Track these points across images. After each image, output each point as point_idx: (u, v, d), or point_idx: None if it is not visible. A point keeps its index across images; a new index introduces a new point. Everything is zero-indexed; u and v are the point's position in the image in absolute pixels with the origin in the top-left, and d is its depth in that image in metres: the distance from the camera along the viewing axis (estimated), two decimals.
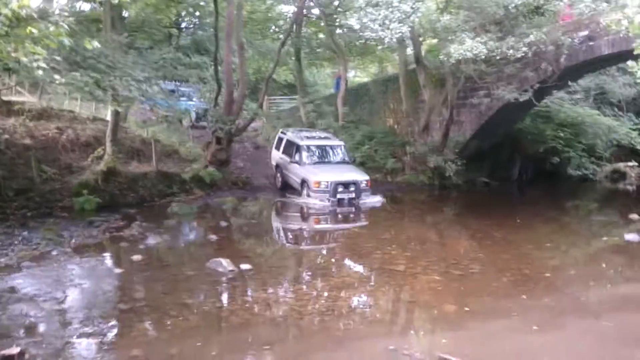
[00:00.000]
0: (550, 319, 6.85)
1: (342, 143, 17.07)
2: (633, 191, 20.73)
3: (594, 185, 21.48)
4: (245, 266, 8.69)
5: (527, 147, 21.17)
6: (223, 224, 12.34)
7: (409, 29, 14.35)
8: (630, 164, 23.44)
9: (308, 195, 14.85)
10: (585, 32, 14.97)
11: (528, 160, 21.60)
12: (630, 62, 8.11)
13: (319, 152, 16.27)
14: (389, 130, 21.60)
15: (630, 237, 11.50)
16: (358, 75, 38.21)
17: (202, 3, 25.71)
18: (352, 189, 14.71)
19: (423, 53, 19.84)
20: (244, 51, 18.03)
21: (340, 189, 14.56)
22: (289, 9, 27.37)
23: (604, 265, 9.68)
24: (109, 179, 13.43)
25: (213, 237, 11.03)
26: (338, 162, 16.10)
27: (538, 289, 8.12)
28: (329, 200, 14.43)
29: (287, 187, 16.31)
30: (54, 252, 9.10)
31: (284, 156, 16.58)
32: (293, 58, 26.51)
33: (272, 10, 26.85)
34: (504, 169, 21.17)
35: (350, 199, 14.71)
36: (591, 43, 14.91)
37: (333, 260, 10.30)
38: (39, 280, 7.70)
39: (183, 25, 32.76)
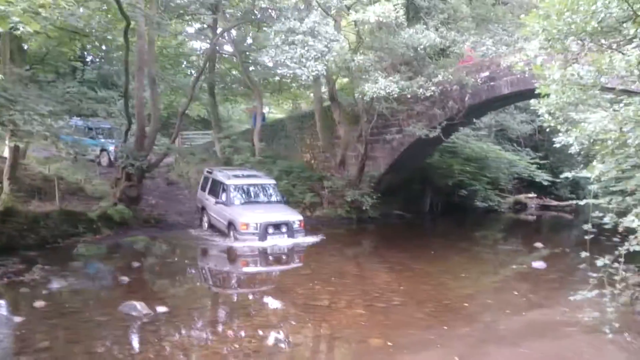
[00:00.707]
0: (471, 349, 6.98)
1: (272, 181, 16.22)
2: (534, 220, 22.23)
3: (498, 216, 22.78)
4: (161, 309, 8.21)
5: (437, 181, 22.12)
6: (135, 264, 11.62)
7: (325, 67, 14.66)
8: (529, 195, 25.25)
9: (235, 239, 13.80)
10: (487, 73, 16.07)
11: (438, 193, 22.56)
12: (532, 101, 8.69)
13: (247, 192, 15.38)
14: (306, 165, 21.78)
15: (536, 264, 12.25)
16: (272, 112, 38.49)
17: (109, 37, 24.88)
18: (283, 230, 13.91)
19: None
20: (156, 85, 17.57)
21: (270, 230, 13.74)
22: (200, 45, 27.21)
23: (516, 292, 10.09)
24: (6, 219, 12.31)
25: (125, 278, 10.31)
26: (269, 202, 15.27)
27: (458, 319, 8.29)
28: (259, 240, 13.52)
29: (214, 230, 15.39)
30: None
31: (210, 197, 15.60)
32: (207, 93, 26.25)
33: (184, 46, 26.53)
34: (417, 202, 21.96)
35: (281, 239, 13.85)
36: (492, 83, 15.99)
37: (254, 298, 10.01)
38: None
39: (89, 58, 31.54)
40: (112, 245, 13.62)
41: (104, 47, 29.20)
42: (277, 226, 13.88)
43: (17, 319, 7.63)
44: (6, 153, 13.94)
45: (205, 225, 15.84)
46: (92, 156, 20.86)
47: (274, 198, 15.52)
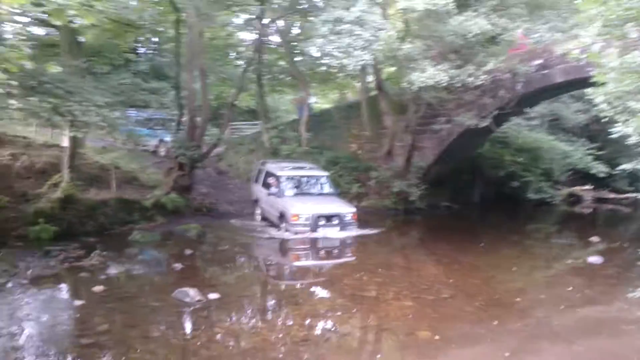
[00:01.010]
0: (523, 345, 6.85)
1: (325, 174, 16.09)
2: (589, 214, 21.46)
3: (551, 209, 22.10)
4: (213, 296, 8.43)
5: (487, 172, 21.68)
6: (188, 252, 11.96)
7: (372, 56, 14.56)
8: (585, 187, 24.35)
9: (286, 230, 13.75)
10: (540, 61, 15.59)
11: (488, 185, 22.10)
12: (589, 89, 8.40)
13: (299, 183, 15.31)
14: (353, 155, 21.72)
15: (593, 259, 11.83)
16: (318, 102, 38.55)
17: (160, 29, 25.49)
18: (335, 222, 13.74)
19: None
20: (205, 77, 17.91)
21: (321, 222, 13.61)
22: (248, 36, 27.47)
23: (570, 288, 9.80)
24: (66, 206, 12.87)
25: (178, 265, 10.67)
26: (321, 194, 15.21)
27: (509, 313, 8.15)
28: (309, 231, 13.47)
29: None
30: (9, 284, 8.61)
31: (263, 189, 15.59)
32: (255, 84, 26.53)
33: (233, 37, 26.86)
34: (465, 193, 21.57)
35: (333, 232, 13.69)
36: (545, 71, 15.50)
37: (302, 287, 10.13)
38: None
39: (141, 50, 32.43)
40: (166, 232, 14.05)
41: (155, 39, 29.99)
42: (328, 218, 13.74)
43: (78, 302, 8.01)
44: (65, 143, 14.52)
45: (258, 217, 15.85)
46: (151, 147, 21.47)
47: (326, 190, 15.45)
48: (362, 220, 14.95)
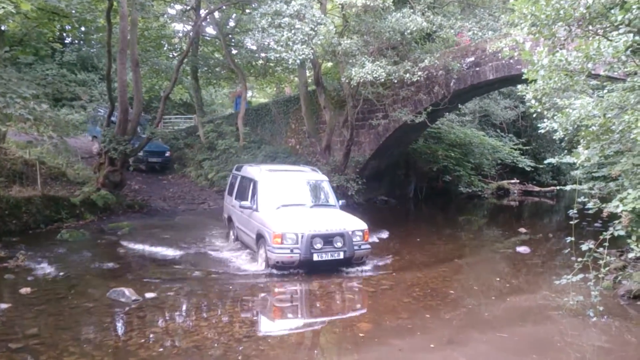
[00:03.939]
0: (452, 335, 6.99)
1: (324, 178, 11.85)
2: (516, 206, 22.52)
3: (482, 202, 23.03)
4: (150, 295, 8.17)
5: (421, 166, 22.28)
6: (121, 250, 11.53)
7: (312, 50, 14.53)
8: (512, 181, 25.57)
9: (266, 258, 9.67)
10: (472, 58, 16.13)
11: (423, 179, 22.73)
12: (520, 86, 8.75)
13: (286, 192, 10.97)
14: (292, 150, 21.73)
15: (521, 249, 12.47)
16: (255, 96, 38.24)
17: (89, 18, 24.37)
18: (338, 244, 9.59)
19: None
20: (138, 68, 17.29)
21: (318, 245, 9.46)
22: (183, 27, 26.79)
23: (498, 279, 10.22)
24: None
25: (111, 264, 10.27)
26: (317, 205, 10.98)
27: (443, 304, 8.34)
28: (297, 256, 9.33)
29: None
30: None
31: (236, 202, 11.58)
32: (189, 77, 25.93)
33: (167, 28, 26.09)
34: (401, 187, 22.12)
35: (336, 260, 9.59)
36: (477, 69, 16.05)
37: (243, 282, 9.92)
38: None
39: (68, 40, 30.92)
40: (96, 230, 13.51)
41: (83, 29, 28.63)
42: (328, 239, 9.57)
43: (3, 306, 7.50)
44: None
45: (232, 240, 12.18)
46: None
47: (325, 199, 11.32)
48: None
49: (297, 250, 9.34)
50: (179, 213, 16.71)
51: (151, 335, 6.67)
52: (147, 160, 21.68)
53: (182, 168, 22.53)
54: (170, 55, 26.56)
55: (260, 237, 9.98)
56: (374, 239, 12.95)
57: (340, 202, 11.41)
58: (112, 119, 17.53)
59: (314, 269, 9.54)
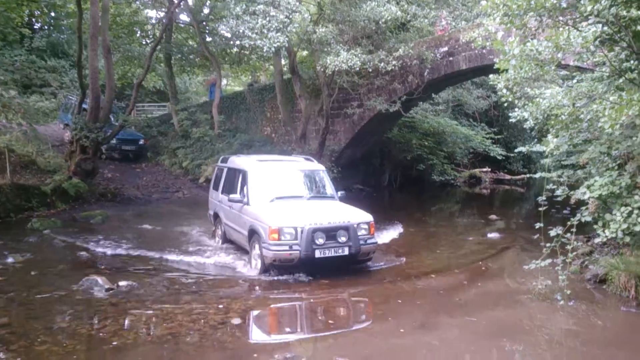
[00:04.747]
0: (424, 320, 7.14)
1: (321, 167, 10.98)
2: (488, 194, 22.96)
3: (454, 190, 23.41)
4: (123, 283, 8.10)
5: (395, 155, 22.50)
6: (93, 238, 11.39)
7: (286, 38, 14.48)
8: (484, 169, 26.02)
9: (259, 258, 8.86)
10: (446, 48, 16.29)
11: (397, 168, 22.98)
12: (492, 76, 8.90)
13: (280, 183, 10.01)
14: (267, 138, 21.70)
15: (491, 235, 12.77)
16: (230, 84, 37.91)
17: (58, 2, 23.76)
18: (342, 239, 8.66)
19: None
20: (110, 55, 16.99)
21: (320, 240, 8.51)
22: (156, 14, 26.36)
23: (471, 264, 10.44)
24: None
25: (83, 253, 10.15)
26: (315, 197, 10.06)
27: (414, 291, 8.51)
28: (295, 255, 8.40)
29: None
30: None
31: (224, 196, 10.71)
32: (163, 64, 25.56)
33: (139, 14, 25.62)
34: (376, 176, 22.31)
35: (340, 257, 8.66)
36: (451, 58, 16.23)
37: (220, 266, 9.88)
38: None
39: (37, 25, 30.14)
40: (68, 219, 13.32)
41: (53, 14, 27.96)
42: (331, 233, 8.65)
43: None
44: None
45: (219, 239, 11.22)
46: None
47: (323, 191, 10.39)
48: None
49: (296, 246, 8.39)
50: (153, 202, 16.56)
51: (125, 323, 6.64)
52: (121, 148, 21.35)
53: (155, 156, 22.28)
54: (143, 42, 26.11)
55: (253, 234, 9.05)
56: None
57: (340, 193, 10.32)
58: (84, 106, 17.24)
59: (315, 268, 8.69)
